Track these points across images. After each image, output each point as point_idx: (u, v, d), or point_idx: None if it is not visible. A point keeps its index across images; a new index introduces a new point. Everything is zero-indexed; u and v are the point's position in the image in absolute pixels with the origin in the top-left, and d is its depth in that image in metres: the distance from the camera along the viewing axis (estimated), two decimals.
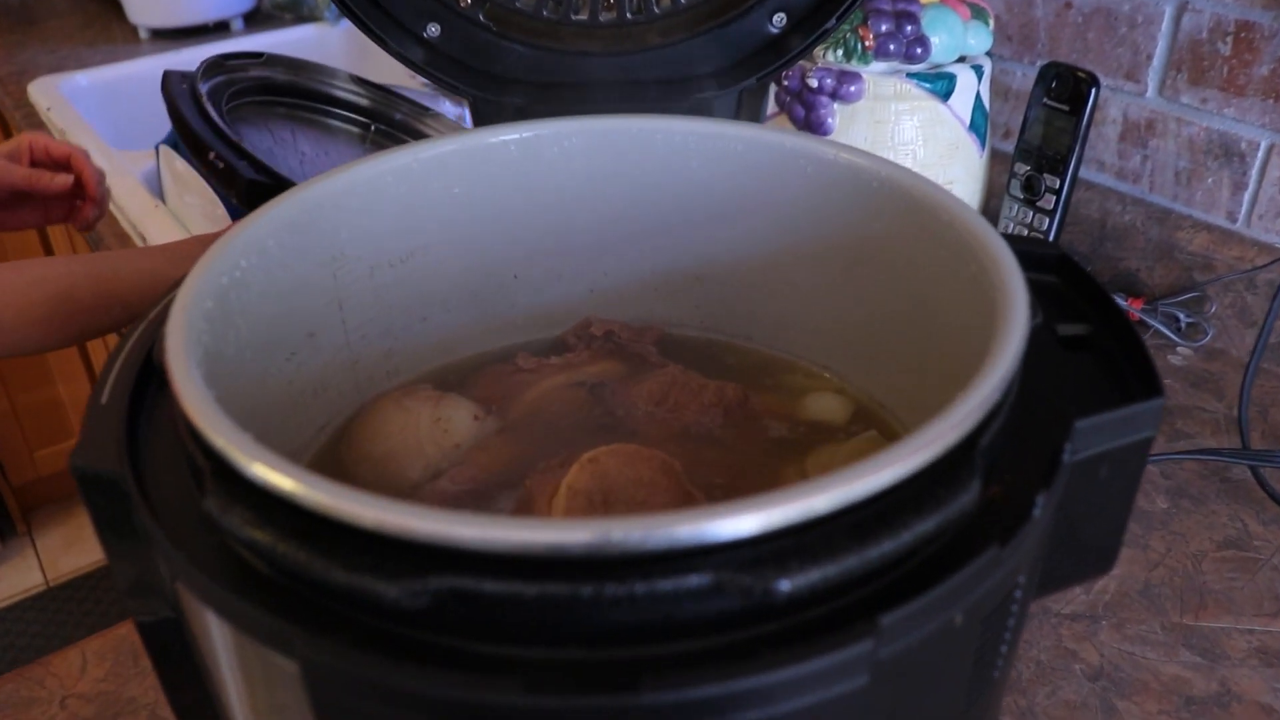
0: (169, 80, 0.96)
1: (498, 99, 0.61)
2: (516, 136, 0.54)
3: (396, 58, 0.60)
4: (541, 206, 0.56)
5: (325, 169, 0.52)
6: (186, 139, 0.91)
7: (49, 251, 2.00)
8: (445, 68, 0.61)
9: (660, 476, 0.48)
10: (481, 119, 0.62)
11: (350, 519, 0.29)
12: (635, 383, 0.56)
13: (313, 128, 1.14)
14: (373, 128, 1.17)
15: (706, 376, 0.56)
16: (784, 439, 0.52)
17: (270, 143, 1.06)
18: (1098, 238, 0.97)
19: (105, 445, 0.37)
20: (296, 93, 1.12)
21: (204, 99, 0.93)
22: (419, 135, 1.18)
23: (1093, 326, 0.45)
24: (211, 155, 0.86)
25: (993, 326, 0.38)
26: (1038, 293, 0.42)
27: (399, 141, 1.17)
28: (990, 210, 0.99)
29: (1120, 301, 0.92)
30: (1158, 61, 0.91)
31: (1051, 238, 0.90)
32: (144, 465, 0.37)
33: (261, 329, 0.46)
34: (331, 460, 0.52)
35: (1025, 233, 0.91)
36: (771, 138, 0.53)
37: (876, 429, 0.52)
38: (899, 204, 0.48)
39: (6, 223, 0.98)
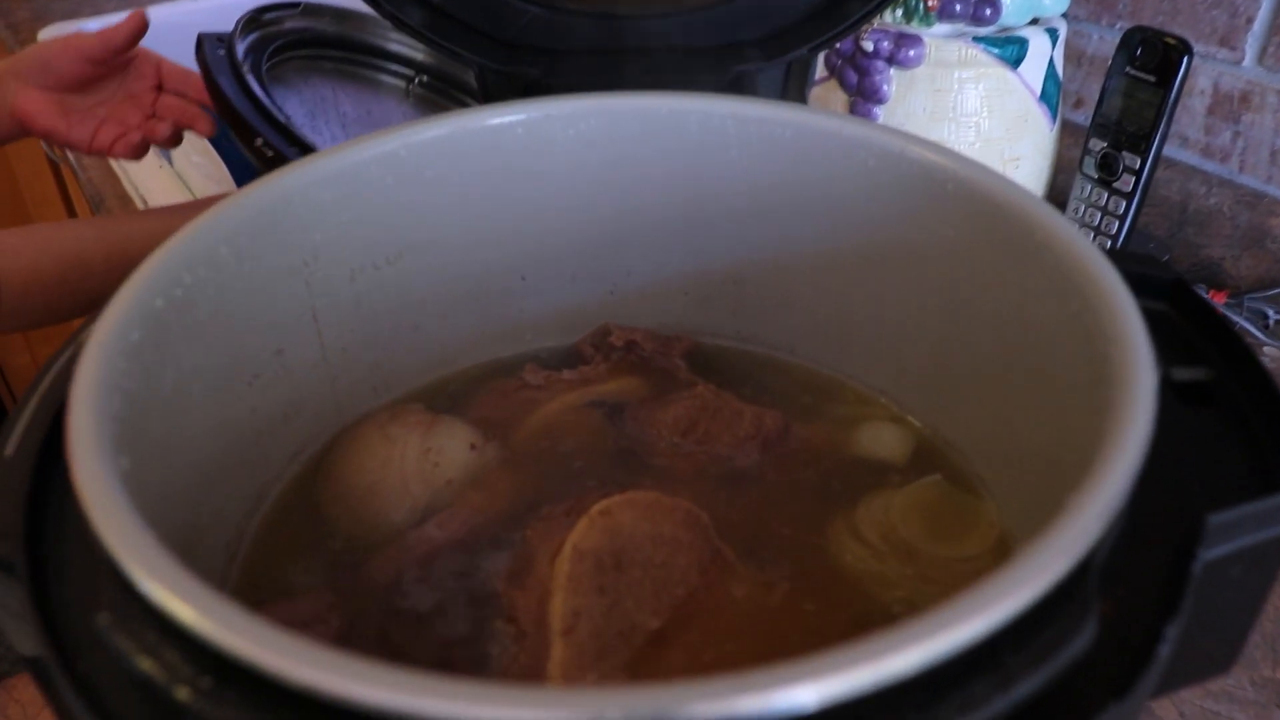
0: (205, 47, 0.84)
1: (508, 69, 0.53)
2: (524, 117, 0.46)
3: (391, 21, 0.52)
4: (554, 198, 0.49)
5: (369, 130, 0.45)
6: (230, 120, 0.80)
7: (71, 214, 1.94)
8: (448, 32, 0.53)
9: (684, 532, 0.41)
10: (489, 92, 0.54)
11: (269, 671, 0.22)
12: (659, 406, 0.48)
13: (356, 83, 1.03)
14: (415, 80, 1.05)
15: (742, 399, 0.48)
16: (832, 480, 0.45)
17: (312, 104, 0.97)
18: (1177, 222, 0.87)
19: (2, 515, 0.30)
20: (341, 45, 1.01)
21: (245, 72, 0.82)
22: (472, 90, 1.06)
23: (1215, 371, 0.37)
24: (259, 142, 0.77)
25: (1105, 390, 0.30)
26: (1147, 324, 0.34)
27: (445, 96, 1.06)
28: (1058, 188, 0.90)
29: (1199, 293, 0.83)
30: (1259, 26, 0.81)
31: (1128, 223, 0.81)
32: (49, 543, 0.30)
33: (214, 353, 0.38)
34: (306, 495, 0.45)
35: (1098, 216, 0.82)
36: (827, 124, 0.45)
37: (941, 472, 0.44)
38: (980, 212, 0.40)
39: (84, 125, 0.87)
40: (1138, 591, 0.28)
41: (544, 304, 0.51)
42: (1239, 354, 0.36)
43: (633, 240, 0.51)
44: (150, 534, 0.25)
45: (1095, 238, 0.83)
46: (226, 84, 0.77)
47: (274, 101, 0.79)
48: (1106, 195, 0.81)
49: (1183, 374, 0.37)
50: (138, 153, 0.88)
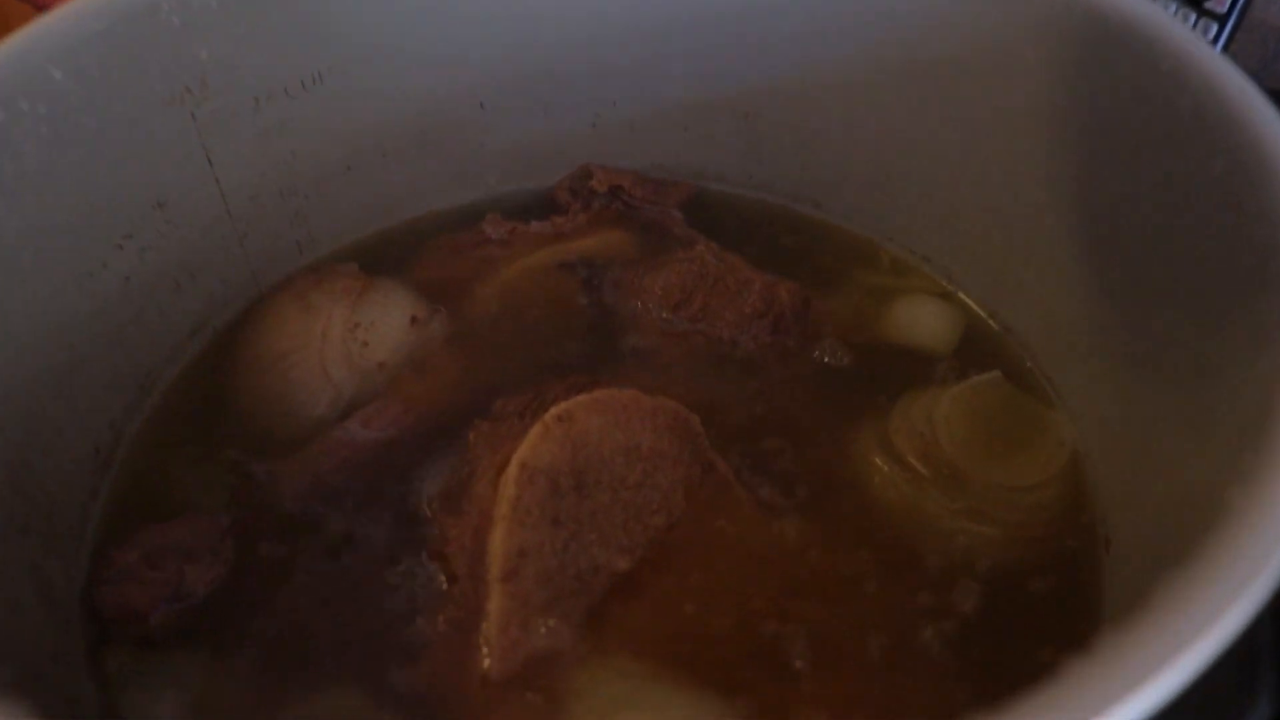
0: None
1: None
2: None
3: None
4: (522, 6, 0.38)
5: None
6: None
7: None
8: None
9: (668, 442, 0.32)
10: None
11: None
12: (649, 270, 0.39)
13: None
14: None
15: (752, 263, 0.39)
16: (860, 373, 0.36)
17: None
18: (1273, 52, 0.75)
19: None
20: None
21: None
22: None
23: None
24: None
25: (1273, 300, 0.20)
26: None
27: None
28: None
29: None
30: None
31: (1219, 51, 0.69)
32: None
33: (56, 212, 0.29)
34: (207, 383, 0.36)
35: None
36: None
37: (1000, 367, 0.35)
38: (1077, 24, 0.29)
39: None
40: None
41: (509, 139, 0.42)
42: None
43: (620, 60, 0.40)
44: None
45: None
46: None
47: None
48: (1195, 17, 0.69)
49: None
50: None
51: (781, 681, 0.27)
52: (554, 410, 0.31)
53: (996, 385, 0.34)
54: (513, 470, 0.30)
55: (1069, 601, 0.28)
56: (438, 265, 0.40)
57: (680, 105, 0.42)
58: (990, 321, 0.37)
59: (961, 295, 0.38)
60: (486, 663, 0.27)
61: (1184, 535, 0.19)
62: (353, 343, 0.36)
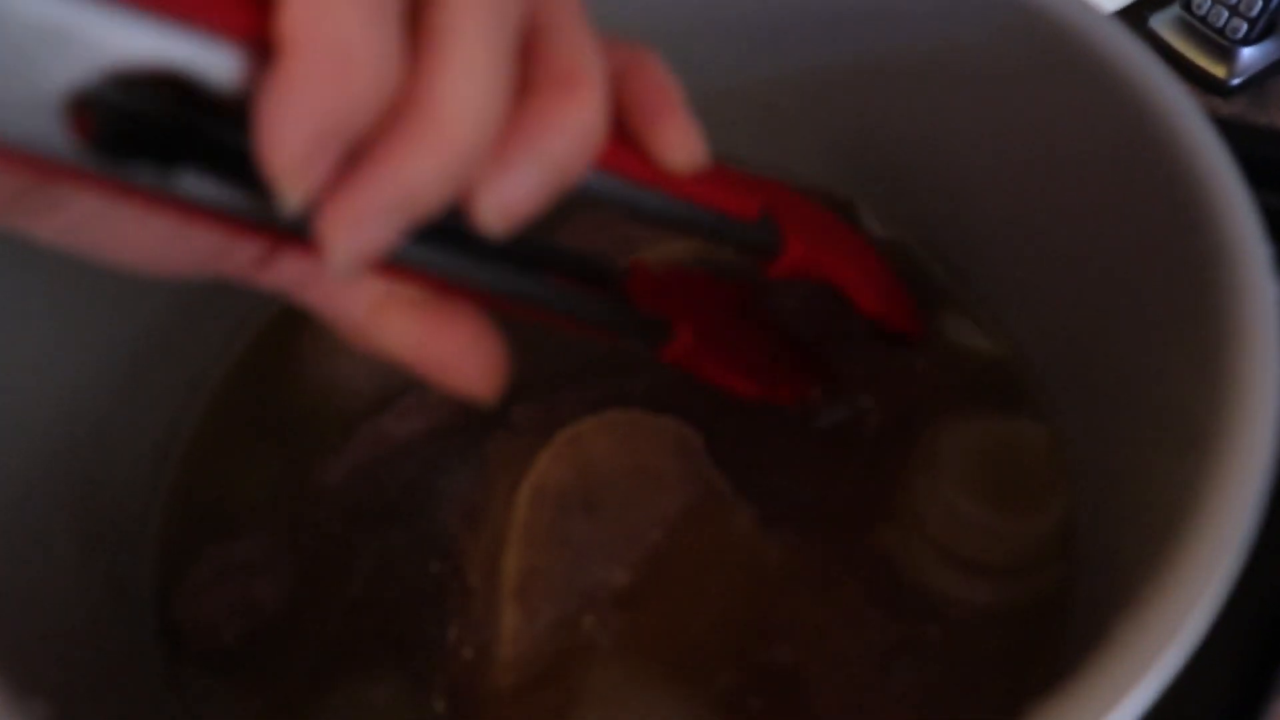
0: None
1: None
2: None
3: None
4: None
5: None
6: None
7: None
8: None
9: (671, 461, 0.34)
10: None
11: None
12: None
13: None
14: None
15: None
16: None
17: None
18: None
19: None
20: None
21: None
22: None
23: None
24: None
25: (1209, 382, 0.21)
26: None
27: None
28: None
29: None
30: None
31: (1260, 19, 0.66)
32: None
33: None
34: (258, 378, 0.39)
35: (1224, 15, 0.67)
36: None
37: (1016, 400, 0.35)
38: (1072, 64, 0.30)
39: None
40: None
41: None
42: None
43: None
44: None
45: (1228, 21, 0.68)
46: None
47: None
48: None
49: None
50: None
51: (761, 689, 0.30)
52: (563, 435, 0.33)
53: (1018, 433, 0.34)
54: (524, 493, 0.32)
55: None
56: None
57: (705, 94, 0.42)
58: (1009, 351, 0.37)
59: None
60: (498, 670, 0.30)
61: None
62: None
